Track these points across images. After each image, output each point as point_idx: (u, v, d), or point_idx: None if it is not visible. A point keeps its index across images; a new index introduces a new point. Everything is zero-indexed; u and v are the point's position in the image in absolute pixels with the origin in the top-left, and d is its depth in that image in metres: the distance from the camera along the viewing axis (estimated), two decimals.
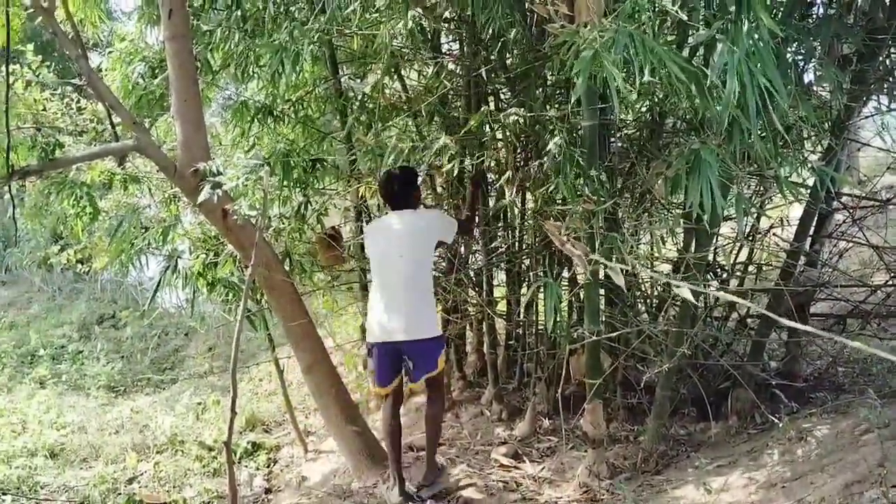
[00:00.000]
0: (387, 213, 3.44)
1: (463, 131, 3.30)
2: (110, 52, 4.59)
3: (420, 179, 3.60)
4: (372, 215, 4.44)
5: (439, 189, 4.37)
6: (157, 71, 4.31)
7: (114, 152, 3.54)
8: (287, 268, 3.86)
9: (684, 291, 2.01)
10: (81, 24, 4.75)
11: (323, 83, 4.41)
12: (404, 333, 3.20)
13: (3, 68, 3.56)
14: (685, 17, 2.40)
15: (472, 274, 4.36)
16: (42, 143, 3.33)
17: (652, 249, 3.83)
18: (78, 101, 4.78)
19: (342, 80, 4.33)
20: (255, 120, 4.21)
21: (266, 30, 3.70)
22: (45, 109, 4.48)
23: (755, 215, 3.94)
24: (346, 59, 4.48)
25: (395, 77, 4.18)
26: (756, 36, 2.06)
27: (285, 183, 3.53)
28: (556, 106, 3.44)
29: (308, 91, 4.44)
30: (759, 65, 2.05)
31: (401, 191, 3.33)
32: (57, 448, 4.89)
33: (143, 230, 4.05)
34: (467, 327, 4.83)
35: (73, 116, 4.53)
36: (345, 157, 4.24)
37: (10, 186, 3.37)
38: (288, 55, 3.23)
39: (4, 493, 4.28)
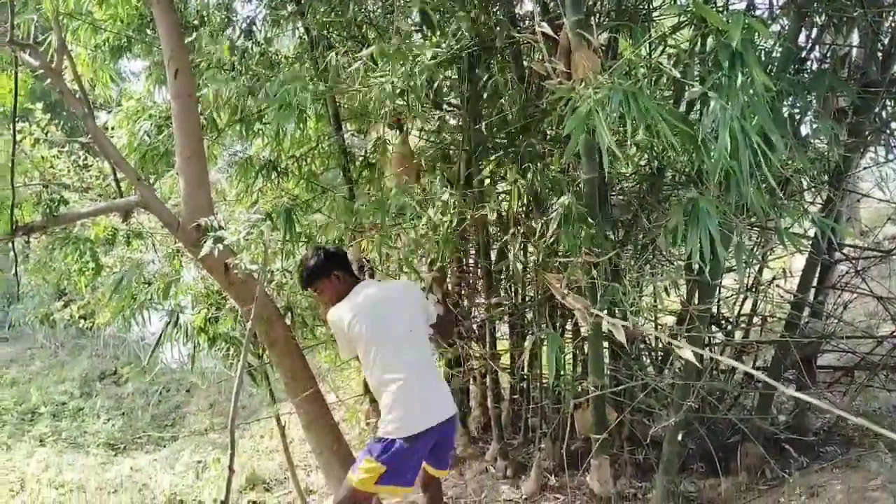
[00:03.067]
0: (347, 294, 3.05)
1: (463, 184, 3.33)
2: (118, 111, 4.69)
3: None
4: (375, 270, 4.45)
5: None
6: (163, 128, 4.39)
7: (118, 208, 3.58)
8: (288, 322, 3.85)
9: (686, 352, 1.99)
10: (92, 84, 4.88)
11: (326, 139, 4.48)
12: (443, 412, 2.90)
13: (11, 127, 3.62)
14: (678, 75, 2.45)
15: (474, 327, 4.33)
16: (47, 199, 3.37)
17: (655, 301, 3.81)
18: (84, 159, 4.85)
19: (345, 136, 4.39)
20: (260, 175, 4.27)
21: (271, 90, 3.78)
22: (52, 166, 4.54)
23: (757, 267, 3.93)
24: (349, 117, 4.56)
25: (397, 133, 4.25)
26: (751, 91, 2.10)
27: (288, 237, 3.55)
28: (556, 159, 3.48)
29: (312, 147, 4.51)
30: (753, 119, 2.07)
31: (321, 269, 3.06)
32: None
33: (146, 285, 4.06)
34: (471, 381, 4.78)
35: (80, 173, 4.59)
36: (347, 212, 4.28)
37: (13, 243, 3.40)
38: (292, 113, 3.28)
39: None
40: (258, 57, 4.20)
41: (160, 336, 3.92)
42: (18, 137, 3.79)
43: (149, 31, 4.35)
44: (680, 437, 3.19)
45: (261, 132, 4.47)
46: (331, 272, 3.07)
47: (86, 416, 7.12)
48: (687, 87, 2.50)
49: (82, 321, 5.39)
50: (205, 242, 3.02)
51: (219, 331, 3.88)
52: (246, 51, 4.22)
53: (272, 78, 3.71)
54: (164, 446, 6.47)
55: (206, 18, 4.44)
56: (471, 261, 4.55)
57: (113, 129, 4.68)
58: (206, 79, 3.99)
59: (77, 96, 3.32)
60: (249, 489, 4.94)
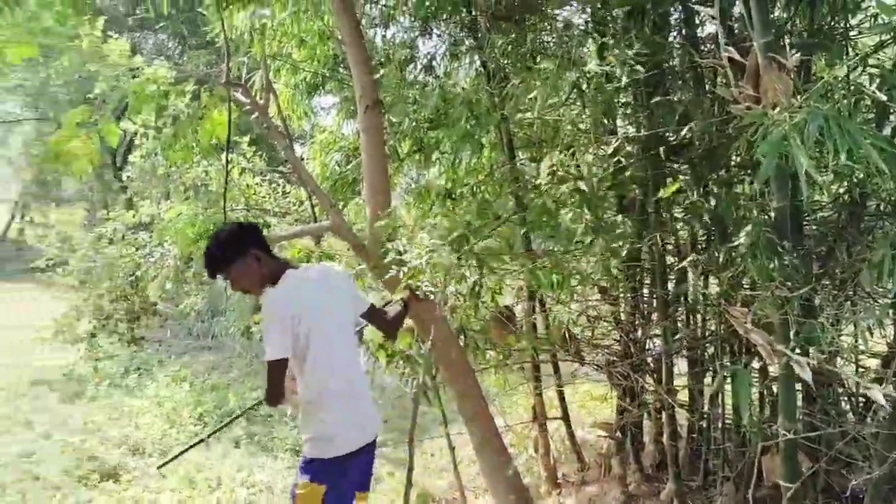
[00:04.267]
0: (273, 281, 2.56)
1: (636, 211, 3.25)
2: (312, 143, 5.12)
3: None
4: (544, 296, 4.43)
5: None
6: (350, 158, 4.73)
7: (312, 232, 3.89)
8: (461, 344, 3.95)
9: (875, 394, 1.80)
10: (288, 118, 5.38)
11: (499, 167, 4.58)
12: (375, 429, 2.72)
13: (224, 157, 4.08)
14: (883, 98, 2.24)
15: (649, 360, 4.18)
16: (255, 222, 3.75)
17: (856, 342, 3.46)
18: (283, 186, 5.34)
19: (518, 163, 4.46)
20: (436, 202, 4.45)
21: (450, 121, 3.95)
22: (255, 193, 5.05)
23: None
24: (523, 145, 4.63)
25: (571, 160, 4.24)
26: None
27: (462, 262, 3.66)
28: (742, 186, 3.30)
29: (485, 175, 4.63)
30: None
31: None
32: None
33: None
34: (644, 416, 4.60)
35: (279, 199, 5.05)
36: (519, 239, 4.33)
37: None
38: (468, 142, 3.40)
39: None
40: (437, 90, 4.42)
41: None
42: (228, 167, 4.27)
43: (341, 70, 4.72)
44: (885, 494, 2.86)
45: (438, 161, 4.67)
46: (248, 251, 2.50)
47: (275, 423, 7.69)
48: (893, 110, 2.28)
49: None
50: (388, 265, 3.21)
51: (396, 348, 4.06)
52: (426, 84, 4.45)
53: (450, 109, 3.88)
54: None
55: (391, 56, 4.74)
56: (645, 290, 4.41)
57: (307, 159, 5.12)
58: (390, 113, 4.25)
59: (279, 130, 3.68)
60: None
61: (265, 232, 3.86)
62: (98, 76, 4.06)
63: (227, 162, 3.86)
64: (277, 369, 2.48)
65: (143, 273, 4.85)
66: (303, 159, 5.05)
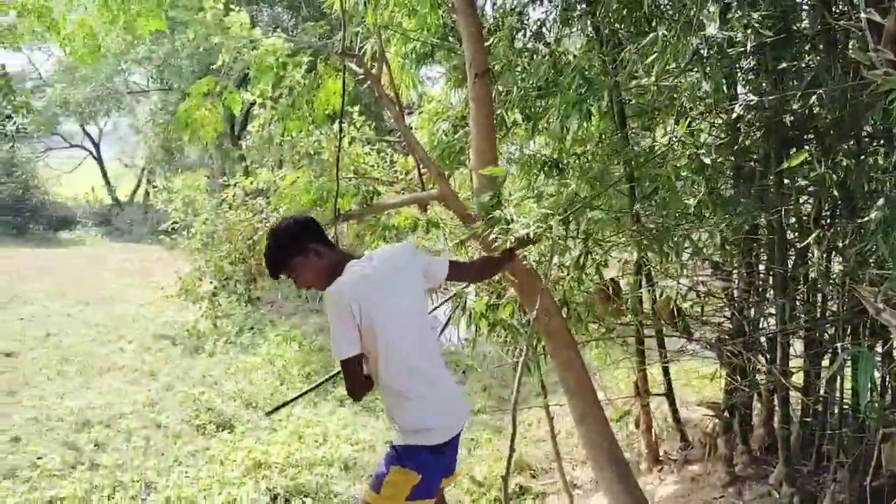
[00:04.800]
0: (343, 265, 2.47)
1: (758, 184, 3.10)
2: (420, 112, 5.19)
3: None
4: (651, 270, 4.32)
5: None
6: (457, 128, 4.75)
7: (420, 200, 3.96)
8: (564, 316, 3.94)
9: None
10: (398, 88, 5.47)
11: (609, 136, 4.47)
12: (466, 410, 2.67)
13: (336, 126, 4.20)
14: None
15: (762, 339, 4.01)
16: (364, 190, 3.87)
17: None
18: (391, 155, 5.45)
19: (629, 132, 4.34)
20: (542, 172, 4.40)
21: (559, 88, 3.89)
22: (364, 162, 5.18)
23: None
24: (635, 114, 4.49)
25: (687, 129, 4.09)
26: None
27: (568, 233, 3.62)
28: (875, 159, 3.08)
29: (595, 144, 4.54)
30: None
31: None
32: (350, 462, 5.50)
33: None
34: (754, 397, 4.44)
35: (387, 168, 5.17)
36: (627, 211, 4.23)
37: (336, 228, 3.96)
38: (578, 110, 3.34)
39: (305, 496, 4.91)
40: (547, 57, 4.34)
41: (448, 319, 4.27)
42: (342, 136, 4.39)
43: (450, 39, 4.73)
44: None
45: (545, 130, 4.61)
46: (307, 247, 2.45)
47: None
48: None
49: None
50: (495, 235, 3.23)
51: (498, 317, 4.10)
52: (535, 52, 4.39)
53: (560, 77, 3.81)
54: None
55: (500, 24, 4.69)
56: (761, 266, 4.22)
57: (415, 129, 5.19)
58: (499, 81, 4.23)
59: (391, 99, 3.75)
60: (517, 473, 5.16)
61: (374, 199, 3.97)
62: (220, 48, 4.27)
63: (341, 131, 3.98)
64: (350, 366, 2.39)
65: (260, 237, 5.11)
66: (411, 128, 5.13)
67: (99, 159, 26.29)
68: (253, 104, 4.68)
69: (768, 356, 4.00)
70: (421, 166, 3.94)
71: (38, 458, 5.13)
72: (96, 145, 26.30)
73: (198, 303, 7.03)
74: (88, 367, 7.92)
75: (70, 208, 23.94)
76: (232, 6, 4.44)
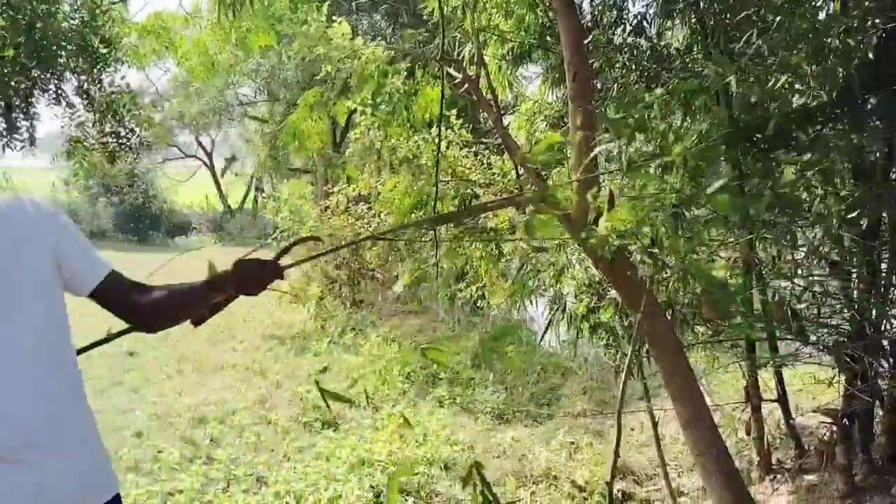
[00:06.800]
0: None
1: None
2: (516, 113, 5.19)
3: None
4: (761, 268, 4.12)
5: None
6: (555, 128, 4.72)
7: (519, 202, 3.96)
8: (669, 318, 3.83)
9: None
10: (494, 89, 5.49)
11: (717, 131, 4.30)
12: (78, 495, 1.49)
13: (435, 131, 4.27)
14: None
15: (884, 343, 3.75)
16: (462, 193, 3.91)
17: None
18: (487, 158, 5.47)
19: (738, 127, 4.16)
20: (644, 170, 4.29)
21: (659, 83, 3.79)
22: (462, 165, 5.23)
23: None
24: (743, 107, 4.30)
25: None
26: None
27: (670, 234, 3.52)
28: None
29: (700, 139, 4.38)
30: None
31: None
32: (450, 462, 5.55)
33: (536, 273, 4.43)
34: (876, 404, 4.15)
35: (484, 170, 5.19)
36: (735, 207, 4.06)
37: (435, 230, 4.02)
38: (681, 105, 3.24)
39: (408, 495, 5.00)
40: (648, 52, 4.24)
41: (549, 320, 4.24)
42: (440, 141, 4.45)
43: (548, 38, 4.71)
44: None
45: (649, 127, 4.49)
46: None
47: (476, 386, 7.99)
48: None
49: (479, 301, 6.10)
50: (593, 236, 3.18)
51: (600, 320, 4.03)
52: (636, 47, 4.29)
53: (662, 72, 3.72)
54: (541, 423, 6.95)
55: (598, 20, 4.63)
56: (883, 265, 3.94)
57: (512, 130, 5.20)
58: (598, 79, 4.17)
59: (489, 102, 3.77)
60: (620, 478, 5.05)
61: (473, 202, 4.00)
62: (324, 58, 4.43)
63: (440, 135, 4.04)
64: None
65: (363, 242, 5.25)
66: (507, 129, 5.14)
67: (211, 168, 27.88)
68: (354, 112, 4.83)
69: (891, 360, 3.73)
70: (519, 167, 3.93)
71: (159, 452, 5.49)
72: (209, 155, 27.92)
73: (305, 304, 7.31)
74: (204, 365, 8.41)
75: (186, 215, 25.50)
76: (334, 17, 4.60)
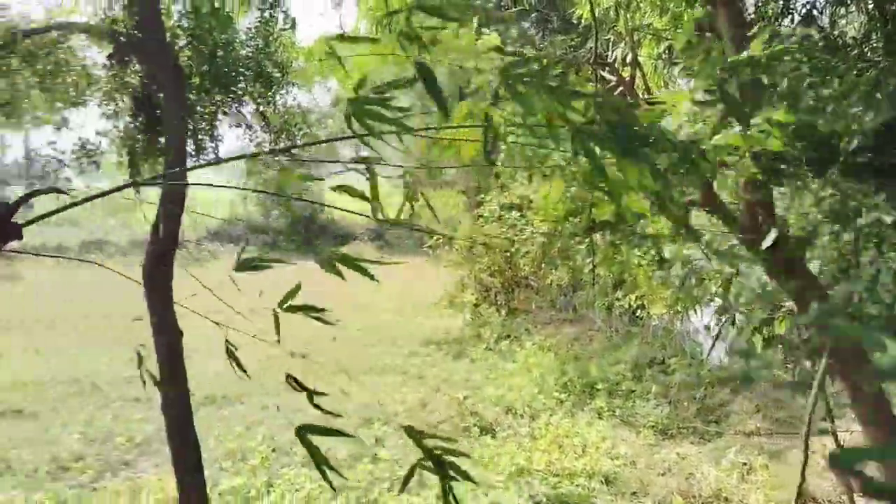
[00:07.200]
0: None
1: None
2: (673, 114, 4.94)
3: None
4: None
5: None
6: (717, 128, 4.43)
7: (679, 207, 3.76)
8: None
9: None
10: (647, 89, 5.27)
11: None
12: None
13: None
14: None
15: None
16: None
17: None
18: None
19: None
20: (812, 169, 3.93)
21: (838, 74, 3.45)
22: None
23: None
24: None
25: None
26: None
27: (851, 236, 3.19)
28: None
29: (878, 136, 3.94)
30: None
31: None
32: (611, 476, 5.39)
33: (700, 281, 4.18)
34: None
35: None
36: None
37: (591, 238, 3.92)
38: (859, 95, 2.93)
39: None
40: (820, 42, 3.88)
41: (718, 332, 3.99)
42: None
43: (707, 34, 4.44)
44: None
45: (818, 121, 4.11)
46: None
47: (636, 398, 7.71)
48: None
49: (639, 310, 5.88)
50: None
51: (775, 333, 3.74)
52: (806, 37, 3.94)
53: (836, 62, 3.39)
54: (709, 440, 6.56)
55: (762, 11, 4.31)
56: None
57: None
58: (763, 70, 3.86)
59: (645, 105, 3.62)
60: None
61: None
62: (475, 71, 4.47)
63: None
64: None
65: (516, 250, 5.24)
66: None
67: (370, 180, 29.27)
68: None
69: None
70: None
71: (328, 450, 5.81)
72: (368, 168, 29.32)
73: (461, 311, 7.43)
74: (367, 368, 8.81)
75: (349, 225, 26.98)
76: (484, 28, 4.63)
